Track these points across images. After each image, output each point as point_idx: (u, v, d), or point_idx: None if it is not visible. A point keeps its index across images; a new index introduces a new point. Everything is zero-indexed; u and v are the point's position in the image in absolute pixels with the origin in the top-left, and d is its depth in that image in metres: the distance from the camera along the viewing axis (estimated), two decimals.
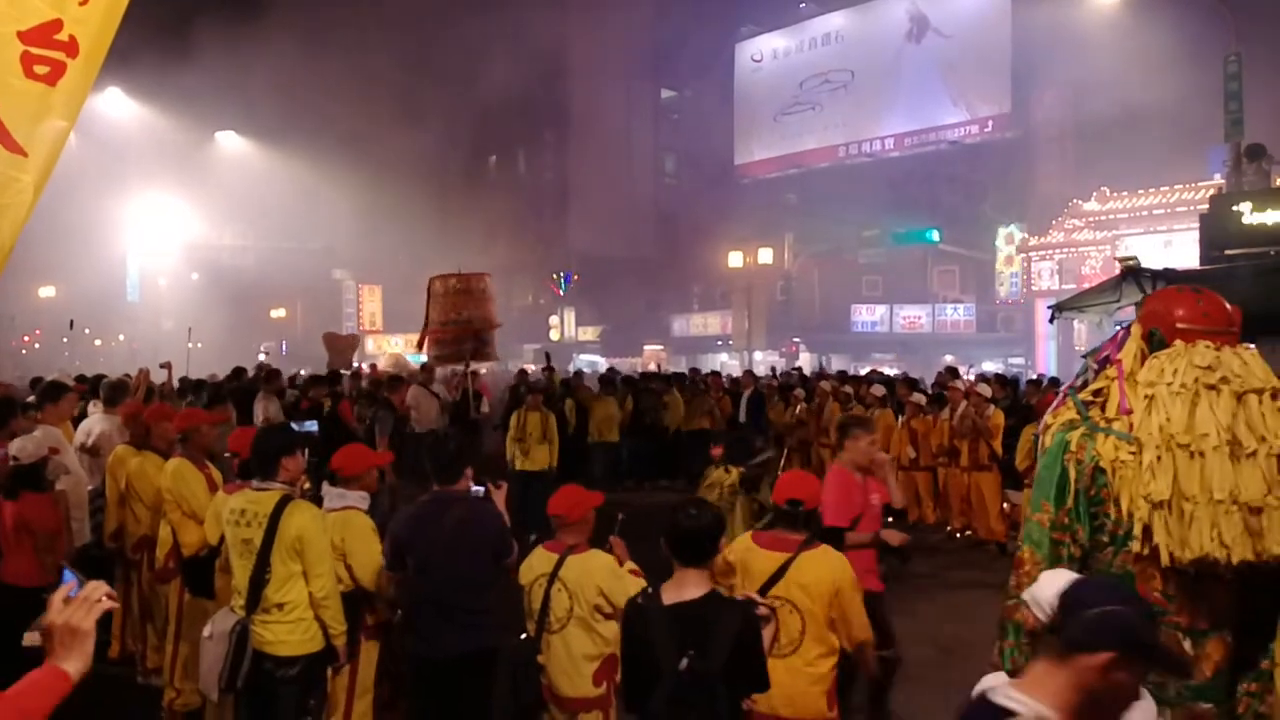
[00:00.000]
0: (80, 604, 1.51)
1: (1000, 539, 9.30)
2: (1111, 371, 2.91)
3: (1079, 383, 3.08)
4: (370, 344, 40.13)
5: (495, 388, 15.60)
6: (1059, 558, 2.76)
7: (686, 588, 2.86)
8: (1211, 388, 2.63)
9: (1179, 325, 2.80)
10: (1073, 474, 2.78)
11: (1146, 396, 2.71)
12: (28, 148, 2.68)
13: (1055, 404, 3.13)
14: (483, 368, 14.07)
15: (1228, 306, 2.85)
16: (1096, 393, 2.95)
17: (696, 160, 42.91)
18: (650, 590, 2.91)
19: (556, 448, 10.52)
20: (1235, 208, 11.17)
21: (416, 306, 11.18)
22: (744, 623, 2.79)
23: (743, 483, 6.23)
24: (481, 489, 4.85)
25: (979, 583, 8.30)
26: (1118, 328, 3.20)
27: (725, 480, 6.24)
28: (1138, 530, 2.65)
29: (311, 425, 8.25)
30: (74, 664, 1.48)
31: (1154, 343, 2.86)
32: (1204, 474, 2.57)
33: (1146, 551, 2.65)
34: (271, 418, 9.76)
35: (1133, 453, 2.69)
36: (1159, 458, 2.62)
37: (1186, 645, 2.71)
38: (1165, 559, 2.58)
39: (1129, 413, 2.75)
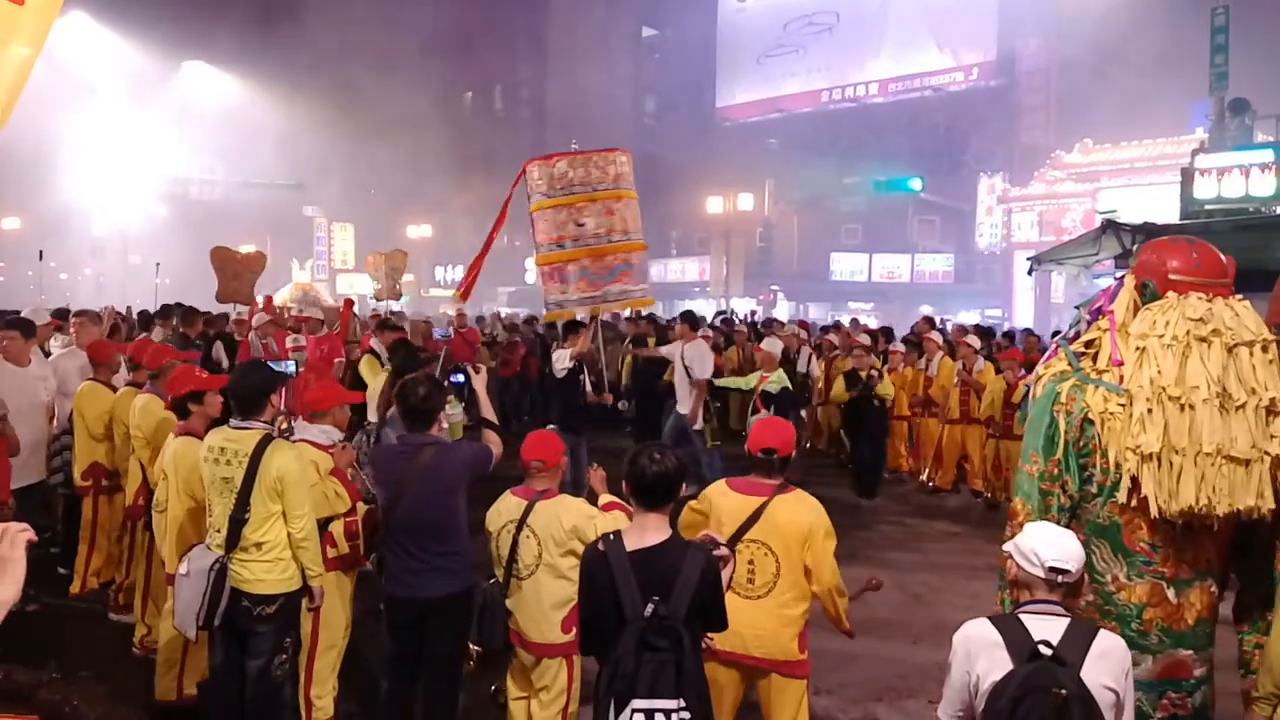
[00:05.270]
0: (4, 535, 1.56)
1: (983, 489, 9.39)
2: (1104, 323, 2.88)
3: (1071, 333, 3.06)
4: (339, 282, 39.37)
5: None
6: (1048, 508, 2.78)
7: (648, 532, 2.86)
8: (1203, 340, 2.62)
9: (1171, 276, 2.77)
10: (1062, 425, 2.78)
11: (1138, 349, 2.70)
12: None
13: (1048, 355, 3.12)
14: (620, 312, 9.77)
15: (1222, 258, 2.82)
16: (1088, 344, 2.93)
17: (678, 102, 42.19)
18: (611, 536, 2.90)
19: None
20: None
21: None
22: (706, 566, 2.80)
23: None
24: (461, 376, 4.73)
25: (949, 533, 8.43)
26: (1107, 280, 3.19)
27: None
28: (1125, 482, 2.66)
29: (288, 366, 8.11)
30: (6, 590, 1.53)
31: (1147, 294, 2.84)
32: (1193, 427, 2.57)
33: (1134, 503, 2.67)
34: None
35: (1122, 404, 2.68)
36: (1149, 410, 2.61)
37: (1170, 594, 2.74)
38: (1154, 511, 2.60)
39: (1120, 364, 2.74)
